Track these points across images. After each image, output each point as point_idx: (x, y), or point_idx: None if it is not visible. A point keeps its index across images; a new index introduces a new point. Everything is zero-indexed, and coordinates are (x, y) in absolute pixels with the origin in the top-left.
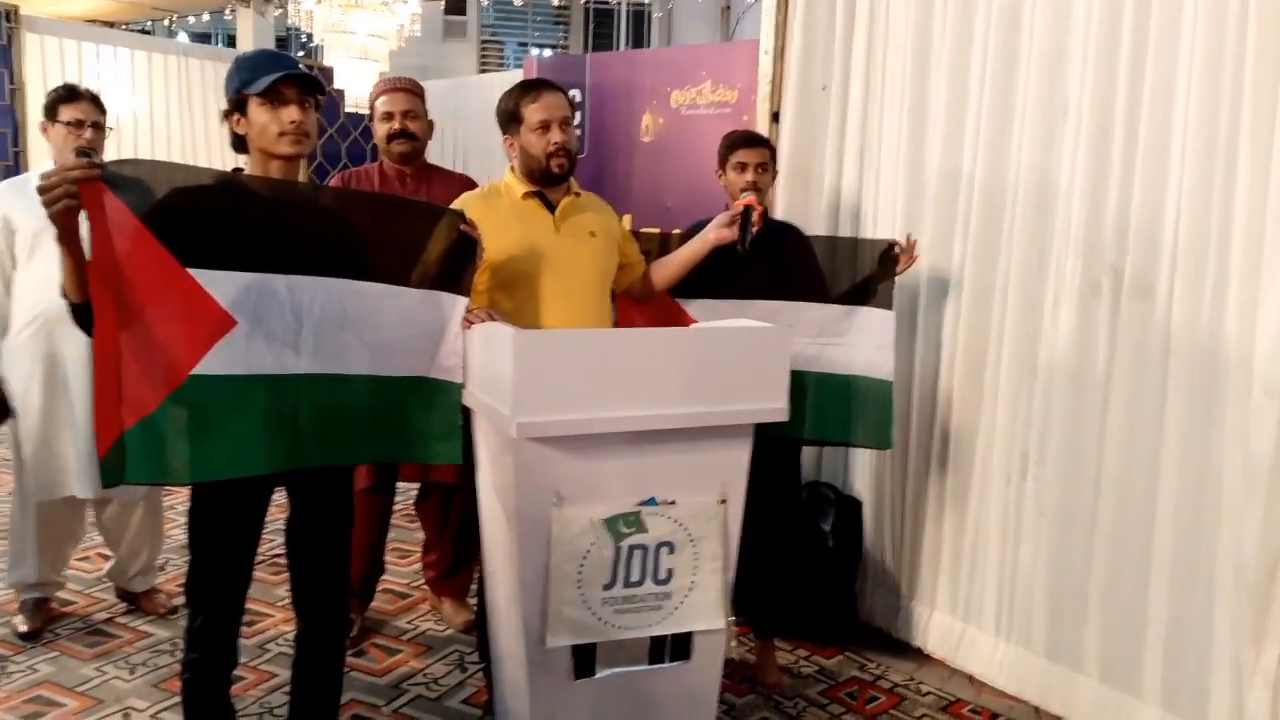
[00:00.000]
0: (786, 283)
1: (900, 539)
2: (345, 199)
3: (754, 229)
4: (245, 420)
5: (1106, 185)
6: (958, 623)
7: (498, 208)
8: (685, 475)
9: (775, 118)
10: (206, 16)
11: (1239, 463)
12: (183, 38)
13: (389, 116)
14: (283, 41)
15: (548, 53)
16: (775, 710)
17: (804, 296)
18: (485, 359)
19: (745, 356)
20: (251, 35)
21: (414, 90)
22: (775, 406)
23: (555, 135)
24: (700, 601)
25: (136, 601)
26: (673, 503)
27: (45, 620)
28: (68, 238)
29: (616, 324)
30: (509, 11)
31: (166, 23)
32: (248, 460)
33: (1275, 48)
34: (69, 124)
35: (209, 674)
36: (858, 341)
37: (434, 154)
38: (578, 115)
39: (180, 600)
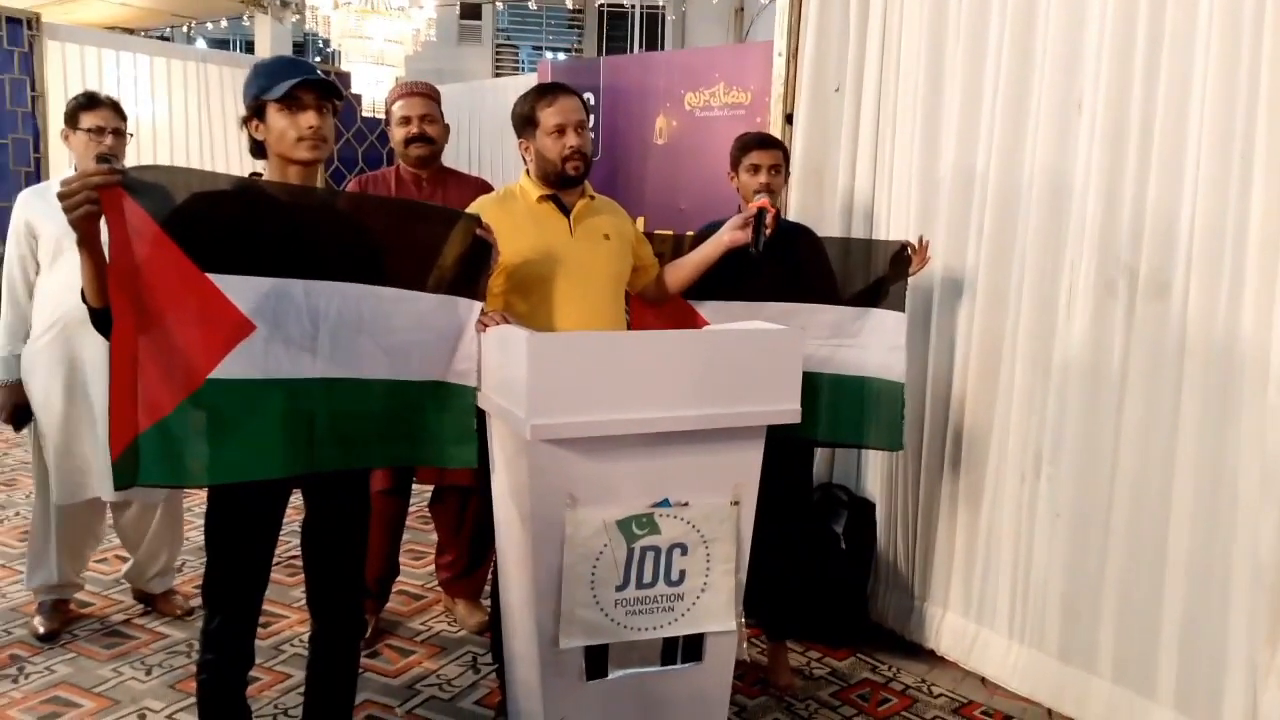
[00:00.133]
0: (799, 284)
1: (913, 540)
2: (362, 204)
3: (767, 231)
4: (262, 424)
5: (1122, 184)
6: (970, 624)
7: (513, 211)
8: (698, 477)
9: (789, 119)
10: (225, 23)
11: (1255, 462)
12: (201, 44)
13: (406, 121)
14: (300, 47)
15: (562, 56)
16: (787, 712)
17: (816, 298)
18: (500, 362)
19: (758, 358)
20: (269, 41)
21: (430, 94)
22: (788, 408)
23: (571, 139)
24: (712, 603)
25: (153, 603)
26: (686, 504)
27: (63, 621)
28: (88, 243)
29: (630, 326)
30: (523, 15)
31: (185, 29)
32: (264, 463)
33: None
34: (90, 131)
35: (225, 675)
36: (870, 343)
37: (449, 158)
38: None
39: (197, 602)
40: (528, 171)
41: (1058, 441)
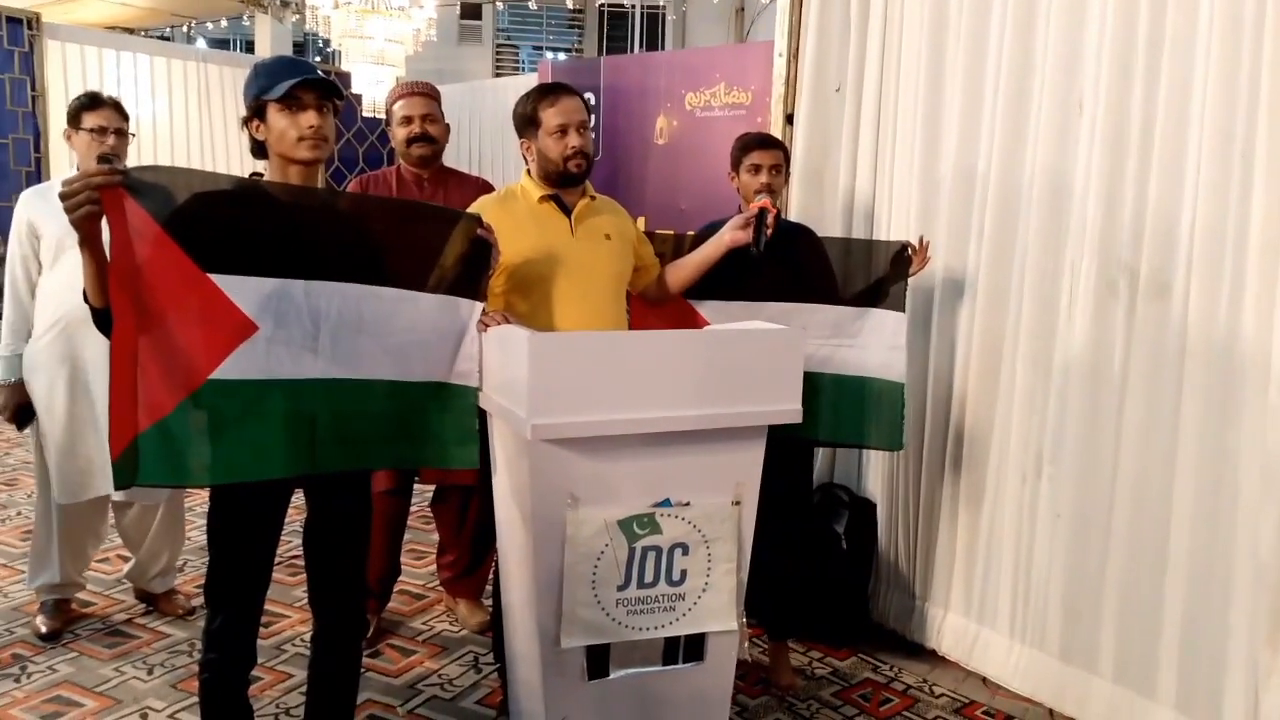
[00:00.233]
0: (799, 284)
1: (914, 540)
2: (363, 204)
3: (768, 232)
4: (264, 424)
5: (1122, 185)
6: (972, 624)
7: (514, 211)
8: (699, 477)
9: (789, 119)
10: (225, 22)
11: (1256, 463)
12: (201, 44)
13: (408, 120)
14: (300, 47)
15: (562, 56)
16: (788, 712)
17: (817, 298)
18: (501, 361)
19: (759, 358)
20: (269, 41)
21: (431, 94)
22: (789, 408)
23: (573, 140)
24: (714, 603)
25: (155, 603)
26: (687, 504)
27: (65, 621)
28: (90, 243)
29: (631, 326)
30: (524, 15)
31: (185, 29)
32: (266, 464)
33: None
34: (93, 131)
35: (227, 674)
36: (870, 343)
37: (449, 157)
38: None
39: (198, 601)
40: (529, 171)
41: (1058, 442)
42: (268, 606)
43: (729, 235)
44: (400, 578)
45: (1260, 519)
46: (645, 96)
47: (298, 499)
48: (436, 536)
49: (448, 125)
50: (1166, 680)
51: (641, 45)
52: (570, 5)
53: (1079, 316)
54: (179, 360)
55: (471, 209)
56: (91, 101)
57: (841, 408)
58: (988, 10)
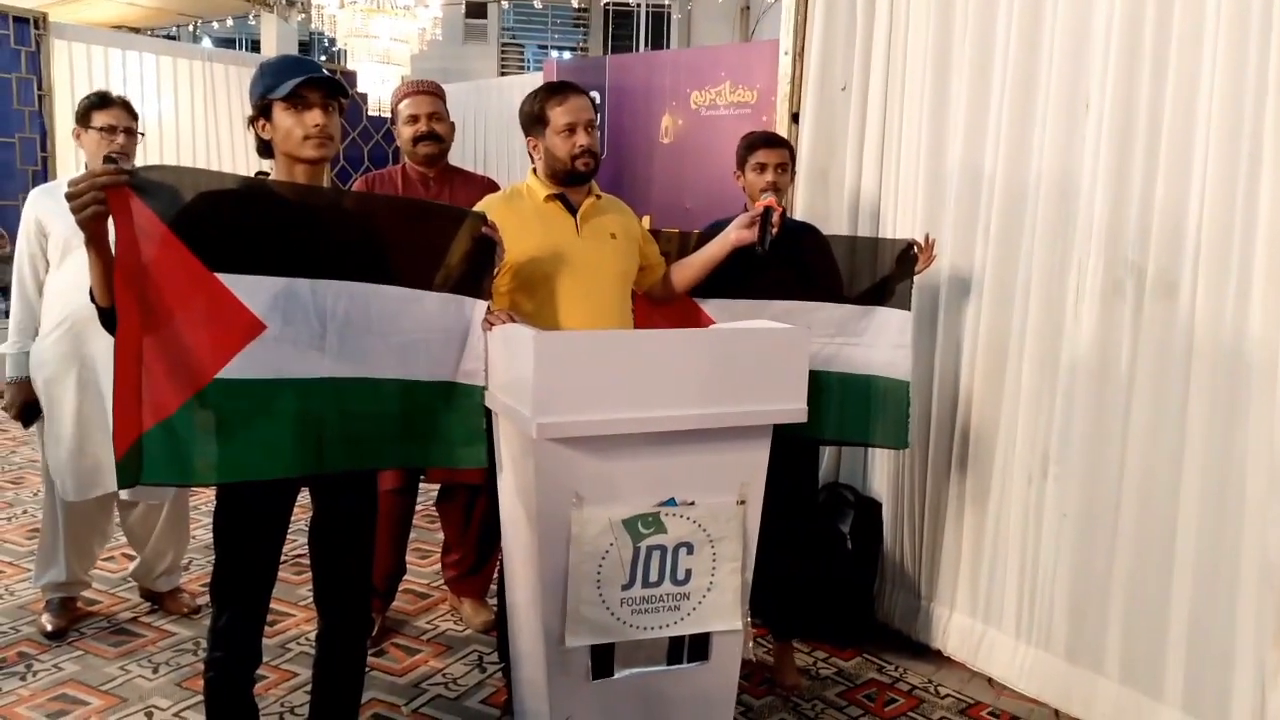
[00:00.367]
0: (805, 283)
1: (920, 540)
2: (369, 203)
3: (773, 230)
4: (270, 424)
5: (1129, 183)
6: (977, 624)
7: (520, 210)
8: (704, 476)
9: (795, 118)
10: (230, 22)
11: (1263, 462)
12: (207, 43)
13: (414, 119)
14: (305, 46)
15: (567, 55)
16: (793, 712)
17: (822, 296)
18: (506, 361)
19: (764, 357)
20: (275, 40)
21: (437, 92)
22: (794, 407)
23: (581, 138)
24: (718, 602)
25: (160, 601)
26: (691, 503)
27: (71, 619)
28: (96, 243)
29: (636, 325)
30: (529, 14)
31: (191, 28)
32: (273, 463)
33: None
34: (102, 130)
35: (233, 672)
36: (875, 341)
37: (454, 156)
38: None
39: (204, 600)
40: (535, 170)
41: (1065, 441)
42: (273, 605)
43: (734, 234)
44: (405, 577)
45: (1267, 518)
46: (650, 95)
47: (303, 498)
48: (441, 535)
49: (453, 124)
50: (1173, 681)
51: (646, 44)
52: (575, 4)
53: (1085, 315)
54: (184, 359)
55: (477, 208)
56: (101, 100)
57: (847, 406)
58: (994, 7)
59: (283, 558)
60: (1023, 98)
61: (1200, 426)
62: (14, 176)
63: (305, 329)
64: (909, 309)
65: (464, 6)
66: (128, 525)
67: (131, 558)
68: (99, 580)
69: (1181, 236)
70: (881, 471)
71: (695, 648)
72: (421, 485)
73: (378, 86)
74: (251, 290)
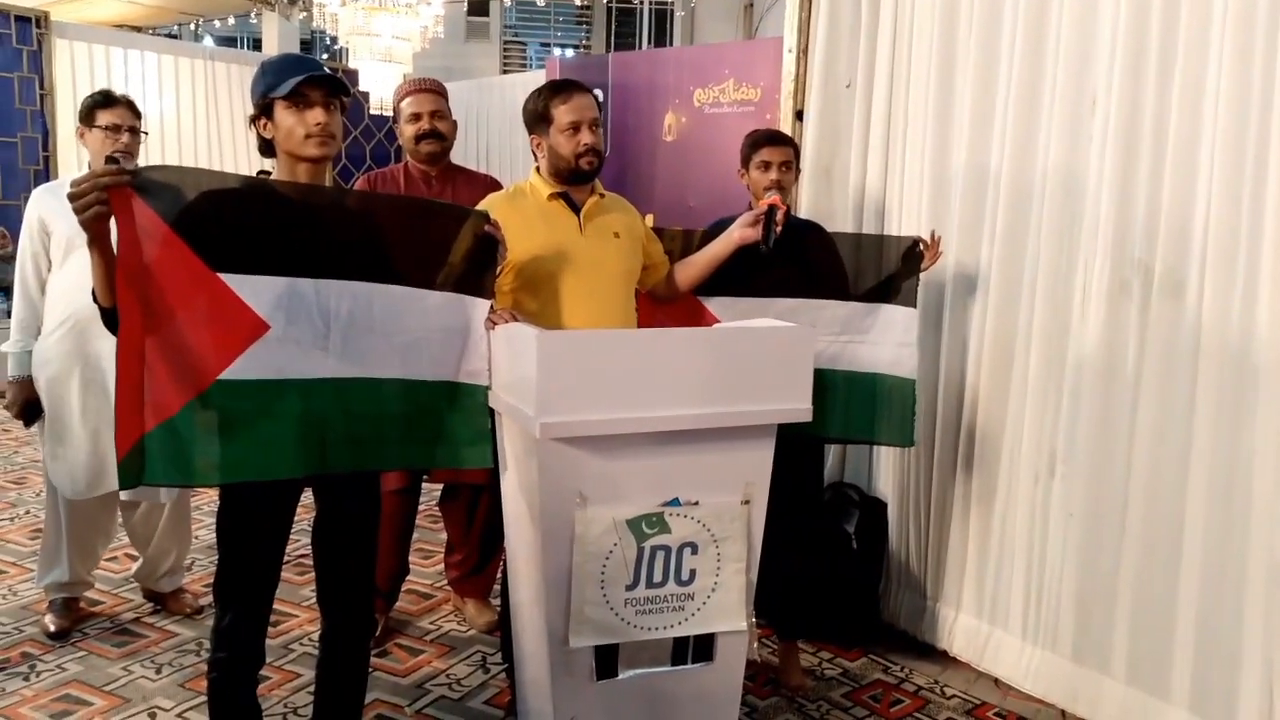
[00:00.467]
0: (809, 281)
1: (925, 540)
2: (372, 202)
3: (777, 229)
4: (274, 424)
5: (1135, 182)
6: (983, 625)
7: (523, 209)
8: (708, 475)
9: (799, 116)
10: (232, 20)
11: (1271, 462)
12: (209, 41)
13: (416, 117)
14: (307, 45)
15: (570, 53)
16: (798, 712)
17: (827, 294)
18: (509, 360)
19: (768, 356)
20: (276, 39)
21: (439, 91)
22: (799, 407)
23: (585, 137)
24: (723, 602)
25: (163, 602)
26: (696, 503)
27: (74, 620)
28: (99, 243)
29: (639, 324)
30: (531, 12)
31: (193, 27)
32: (276, 464)
33: None
34: (106, 129)
35: (236, 673)
36: (880, 339)
37: (456, 155)
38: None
39: (206, 600)
40: (538, 169)
41: (1071, 441)
42: (276, 606)
43: (738, 233)
44: (408, 577)
45: (1274, 518)
46: (654, 93)
47: (306, 498)
48: (444, 535)
49: (455, 122)
50: (1180, 681)
51: (650, 42)
52: (578, 2)
53: (1092, 314)
54: (187, 360)
55: (480, 206)
56: (105, 99)
57: (852, 405)
58: (999, 5)
59: (286, 558)
60: (1028, 96)
61: (1207, 426)
62: (16, 176)
63: (309, 329)
64: (915, 306)
65: (466, 4)
66: (130, 525)
67: (134, 558)
68: (102, 581)
69: (1188, 235)
70: (887, 471)
71: (700, 648)
72: (424, 485)
73: (379, 85)
74: (255, 290)
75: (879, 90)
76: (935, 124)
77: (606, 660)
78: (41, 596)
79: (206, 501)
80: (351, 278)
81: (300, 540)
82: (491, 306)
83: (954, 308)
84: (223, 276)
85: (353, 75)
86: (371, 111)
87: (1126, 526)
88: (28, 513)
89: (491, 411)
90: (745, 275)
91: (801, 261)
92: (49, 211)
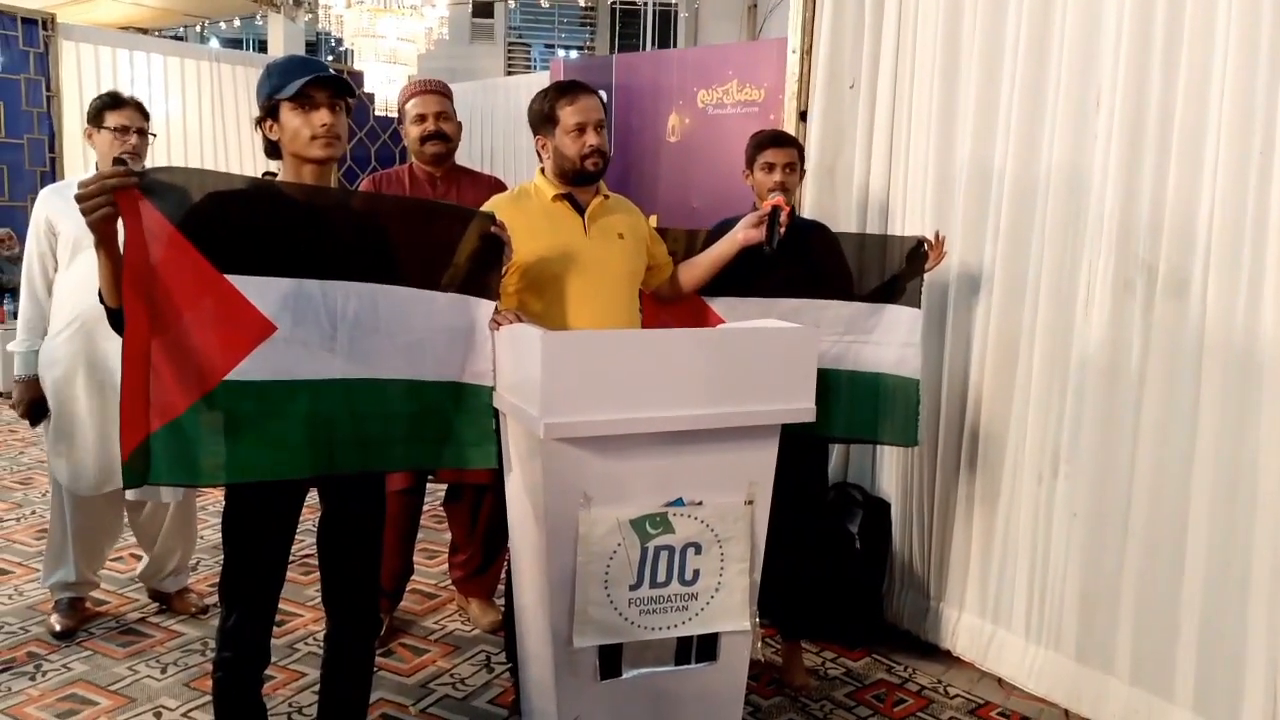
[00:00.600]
0: (813, 281)
1: (929, 540)
2: (377, 203)
3: (781, 230)
4: (282, 424)
5: (1140, 180)
6: (987, 625)
7: (527, 210)
8: (712, 476)
9: (803, 116)
10: (238, 22)
11: (1275, 461)
12: (214, 43)
13: (421, 119)
14: (313, 46)
15: (574, 54)
16: (802, 712)
17: (831, 294)
18: (513, 361)
19: (772, 357)
20: (282, 40)
21: (444, 92)
22: (802, 407)
23: (590, 138)
24: (727, 602)
25: (168, 601)
26: (699, 503)
27: (79, 620)
28: (106, 244)
29: (643, 324)
30: (536, 13)
31: (198, 29)
32: (283, 464)
33: None
34: (115, 130)
35: (241, 673)
36: (885, 339)
37: (460, 156)
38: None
39: (211, 600)
40: (542, 170)
41: (1075, 440)
42: (281, 605)
43: (741, 234)
44: (413, 577)
45: (1279, 517)
46: (657, 94)
47: (312, 498)
48: (449, 536)
49: (460, 123)
50: (1184, 681)
51: (653, 43)
52: (582, 3)
53: (1096, 314)
54: (194, 361)
55: (485, 208)
56: (114, 101)
57: (856, 404)
58: (1004, 3)
59: (291, 558)
60: (1032, 94)
61: (1212, 425)
62: (23, 177)
63: (316, 330)
64: (919, 306)
65: (471, 6)
66: (136, 525)
67: (139, 558)
68: (107, 581)
69: (1193, 234)
70: (890, 471)
71: (703, 648)
72: (429, 486)
73: (384, 86)
74: (261, 291)
75: (883, 90)
76: (939, 123)
77: (610, 660)
78: (47, 596)
79: (212, 501)
80: (357, 279)
81: (305, 540)
82: (496, 308)
83: (957, 306)
84: (229, 278)
85: (358, 77)
86: (376, 113)
87: (1130, 526)
88: (33, 513)
89: (496, 412)
90: (749, 276)
91: (805, 262)
92: (56, 212)
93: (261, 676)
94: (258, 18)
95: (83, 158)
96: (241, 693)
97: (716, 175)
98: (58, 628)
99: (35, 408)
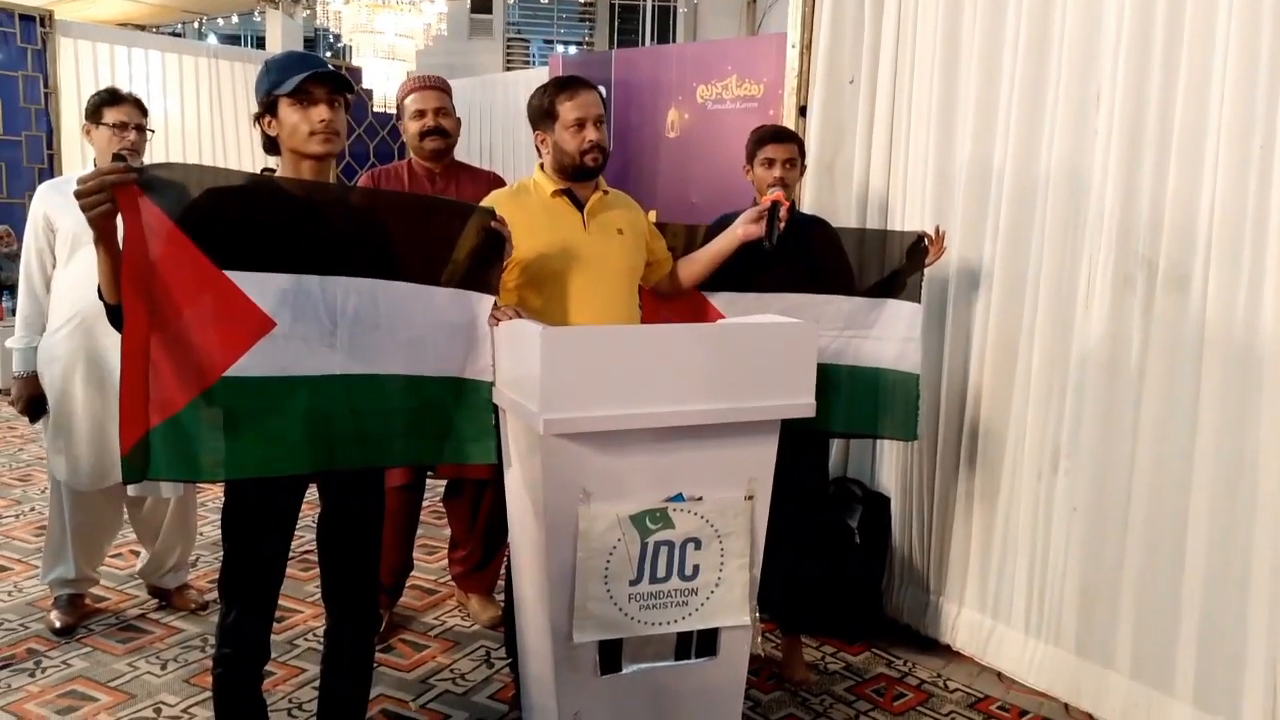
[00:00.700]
0: (813, 276)
1: (929, 535)
2: (377, 198)
3: (781, 225)
4: (282, 420)
5: (1140, 176)
6: (987, 619)
7: (527, 206)
8: (712, 471)
9: (802, 112)
10: (236, 19)
11: (1275, 456)
12: (212, 40)
13: (420, 114)
14: (311, 42)
15: (573, 50)
16: (802, 707)
17: (831, 289)
18: (513, 357)
19: (772, 352)
20: (280, 36)
21: (443, 87)
22: (802, 402)
23: (590, 133)
24: (726, 597)
25: (168, 598)
26: (699, 499)
27: (79, 616)
28: (105, 240)
29: (643, 320)
30: (534, 9)
31: (196, 25)
32: (283, 460)
33: None
34: (113, 126)
35: (241, 669)
36: (885, 334)
37: (459, 151)
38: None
39: (211, 596)
40: (541, 165)
41: (1075, 436)
42: (281, 601)
43: (741, 229)
44: (412, 573)
45: (1279, 513)
46: (656, 90)
47: (311, 494)
48: (448, 531)
49: (459, 119)
50: (1184, 675)
51: (652, 38)
52: None
53: (1096, 310)
54: (193, 357)
55: (484, 203)
56: (112, 97)
57: (856, 399)
58: (1003, 0)
59: (290, 554)
60: (1032, 90)
61: (1212, 421)
62: (21, 174)
63: (315, 326)
64: (919, 301)
65: (469, 2)
66: (136, 521)
67: (139, 554)
68: (107, 577)
69: (1193, 230)
70: (890, 466)
71: (703, 643)
72: (428, 481)
73: (383, 82)
74: (261, 287)
75: (882, 85)
76: (939, 119)
77: (610, 655)
78: (47, 593)
79: (212, 498)
80: (357, 274)
81: (305, 536)
82: (495, 303)
83: (957, 303)
84: (228, 274)
85: (356, 73)
86: (375, 109)
87: (1130, 521)
88: (32, 509)
89: (495, 407)
90: (749, 271)
91: (805, 257)
92: (54, 208)
93: (261, 672)
94: (256, 14)
95: (81, 154)
96: (241, 689)
97: (716, 171)
98: (57, 624)
99: (34, 404)
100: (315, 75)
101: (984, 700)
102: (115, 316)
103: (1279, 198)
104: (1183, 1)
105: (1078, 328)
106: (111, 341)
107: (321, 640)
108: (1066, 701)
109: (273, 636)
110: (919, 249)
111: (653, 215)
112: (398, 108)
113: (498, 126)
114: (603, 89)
